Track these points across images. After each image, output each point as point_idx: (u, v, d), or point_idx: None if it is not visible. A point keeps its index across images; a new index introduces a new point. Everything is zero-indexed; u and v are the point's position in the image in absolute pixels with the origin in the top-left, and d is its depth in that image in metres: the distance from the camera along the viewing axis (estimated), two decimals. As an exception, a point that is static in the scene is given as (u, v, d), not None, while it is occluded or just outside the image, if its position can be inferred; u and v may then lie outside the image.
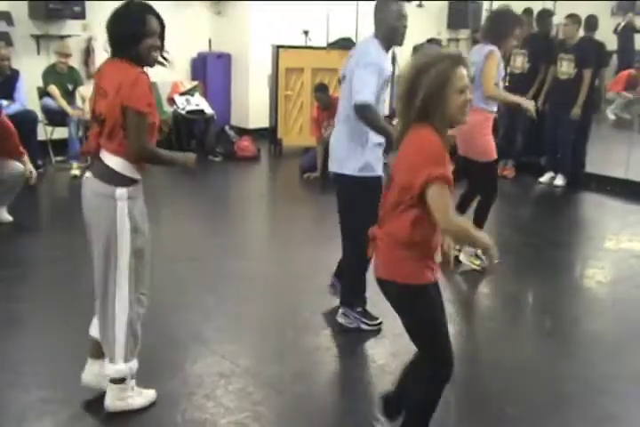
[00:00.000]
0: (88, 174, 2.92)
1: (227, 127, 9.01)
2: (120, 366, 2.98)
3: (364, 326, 3.99)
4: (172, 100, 8.80)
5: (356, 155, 3.77)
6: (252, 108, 9.52)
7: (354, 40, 8.53)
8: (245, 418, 3.07)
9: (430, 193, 2.34)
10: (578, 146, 7.70)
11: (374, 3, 3.90)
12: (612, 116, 11.46)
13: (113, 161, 2.83)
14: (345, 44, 8.22)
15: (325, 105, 7.49)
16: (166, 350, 3.65)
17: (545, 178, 7.82)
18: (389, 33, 3.78)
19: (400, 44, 3.85)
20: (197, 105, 8.72)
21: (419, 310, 2.54)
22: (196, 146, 8.73)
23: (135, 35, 2.76)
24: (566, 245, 5.98)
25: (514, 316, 4.57)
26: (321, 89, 7.66)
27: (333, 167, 3.92)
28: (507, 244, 5.54)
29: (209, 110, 8.76)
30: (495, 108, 5.05)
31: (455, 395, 3.15)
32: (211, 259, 5.13)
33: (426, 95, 2.38)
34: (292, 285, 4.58)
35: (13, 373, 3.38)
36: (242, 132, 9.08)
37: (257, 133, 9.15)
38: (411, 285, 2.49)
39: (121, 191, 2.83)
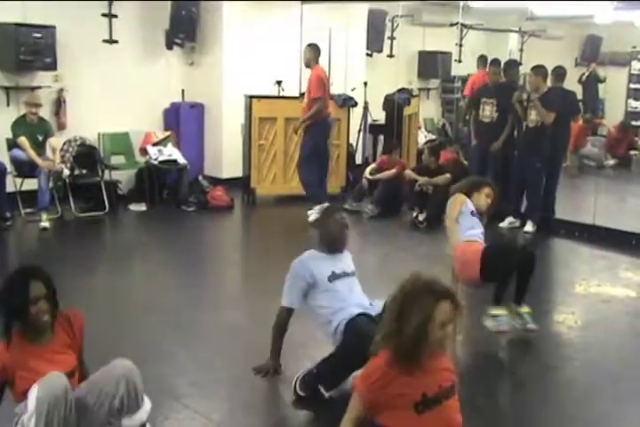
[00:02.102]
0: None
1: (200, 177, 9.01)
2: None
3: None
4: (144, 151, 8.79)
5: None
6: (225, 157, 9.55)
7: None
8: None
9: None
10: (548, 193, 7.82)
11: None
12: (577, 164, 11.66)
13: None
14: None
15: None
16: (137, 407, 3.57)
17: (505, 223, 7.81)
18: (332, 241, 4.02)
19: (341, 250, 4.07)
20: (170, 155, 8.71)
21: None
22: (168, 196, 8.73)
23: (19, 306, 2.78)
24: (537, 290, 6.00)
25: (485, 361, 4.57)
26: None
27: None
28: (479, 291, 5.55)
29: (182, 160, 8.74)
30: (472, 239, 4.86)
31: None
32: (183, 311, 5.07)
33: (408, 330, 2.44)
34: (266, 336, 4.53)
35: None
36: (215, 181, 9.07)
37: (230, 183, 9.14)
38: None
39: None
